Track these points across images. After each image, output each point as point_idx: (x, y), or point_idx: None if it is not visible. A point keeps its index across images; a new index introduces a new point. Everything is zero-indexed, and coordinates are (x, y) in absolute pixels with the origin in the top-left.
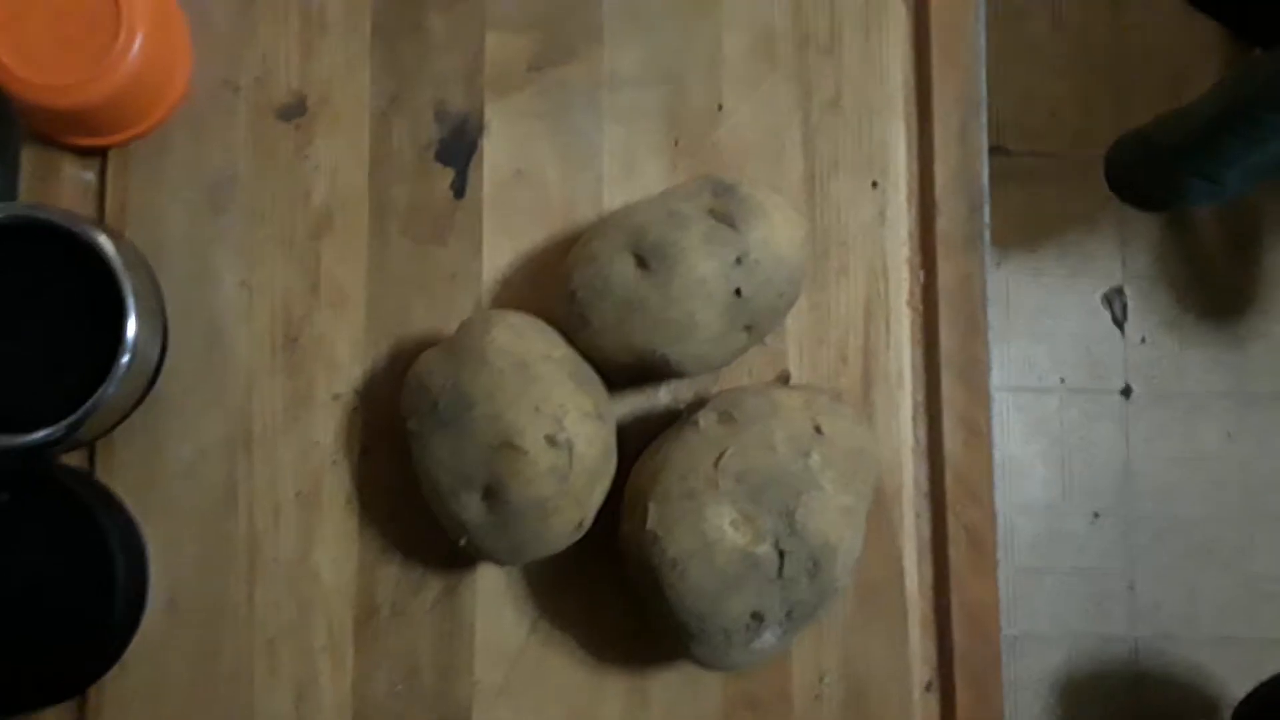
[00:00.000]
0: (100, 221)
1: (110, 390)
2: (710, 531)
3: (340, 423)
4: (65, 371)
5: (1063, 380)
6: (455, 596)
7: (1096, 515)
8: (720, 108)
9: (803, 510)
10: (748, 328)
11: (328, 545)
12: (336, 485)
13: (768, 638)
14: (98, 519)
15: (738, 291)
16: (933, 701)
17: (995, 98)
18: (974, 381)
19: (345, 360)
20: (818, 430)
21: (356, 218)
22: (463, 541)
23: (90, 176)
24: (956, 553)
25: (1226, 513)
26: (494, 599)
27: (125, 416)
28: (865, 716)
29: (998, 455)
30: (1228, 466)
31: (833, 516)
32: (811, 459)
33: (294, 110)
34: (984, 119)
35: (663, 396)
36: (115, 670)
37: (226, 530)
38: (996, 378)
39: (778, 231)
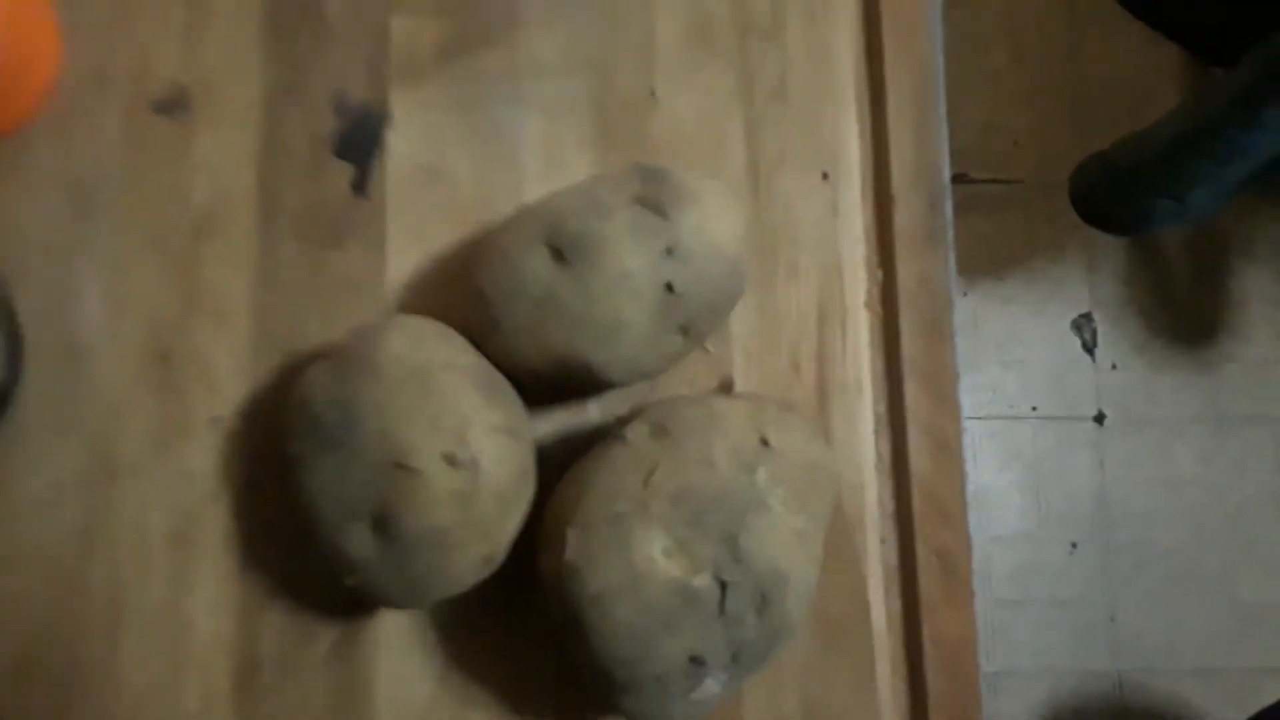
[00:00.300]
0: None
1: None
2: (639, 561)
3: (220, 451)
4: None
5: (1034, 408)
6: (352, 647)
7: (1074, 545)
8: (653, 95)
9: (748, 535)
10: (683, 329)
11: (203, 592)
12: (214, 523)
13: (710, 686)
14: None
15: (669, 287)
16: None
17: (957, 128)
18: (941, 390)
19: (226, 380)
20: (764, 443)
21: (242, 220)
22: (351, 581)
23: None
24: (928, 581)
25: (1206, 539)
26: (397, 649)
27: None
28: None
29: (971, 486)
30: (1204, 492)
31: (784, 541)
32: (758, 475)
33: (174, 104)
34: (942, 108)
35: (593, 413)
36: None
37: (84, 577)
38: (967, 407)
39: (713, 220)
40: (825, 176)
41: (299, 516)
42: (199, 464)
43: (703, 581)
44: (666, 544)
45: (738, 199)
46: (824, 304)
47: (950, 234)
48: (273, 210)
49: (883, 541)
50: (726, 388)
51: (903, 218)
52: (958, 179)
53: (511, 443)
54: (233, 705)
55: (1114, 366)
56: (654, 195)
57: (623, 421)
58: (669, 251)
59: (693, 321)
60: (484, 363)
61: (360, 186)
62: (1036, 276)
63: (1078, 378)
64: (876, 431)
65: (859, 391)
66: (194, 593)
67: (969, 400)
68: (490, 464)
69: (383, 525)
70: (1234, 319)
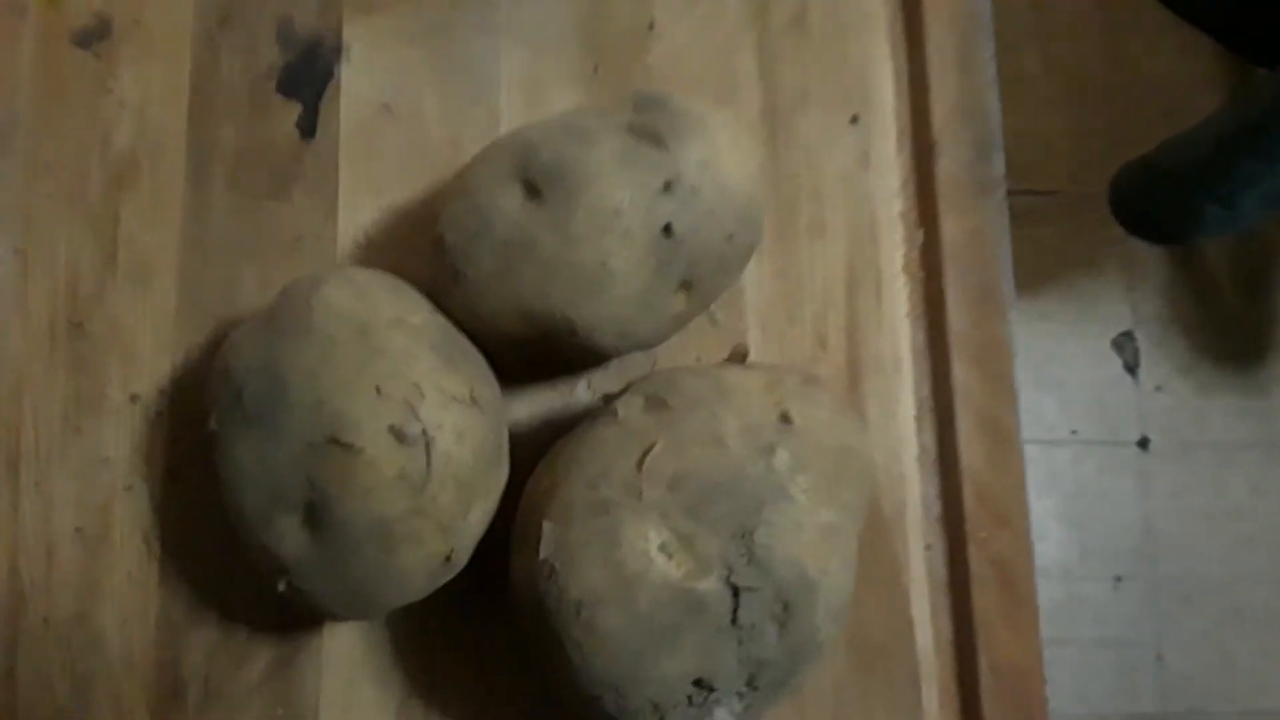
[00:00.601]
0: None
1: None
2: (631, 560)
3: (139, 434)
4: None
5: (1074, 432)
6: (292, 669)
7: (1118, 579)
8: (651, 27)
9: (765, 529)
10: (685, 285)
11: (117, 600)
12: (131, 518)
13: (722, 716)
14: None
15: (667, 229)
16: None
17: None
18: (995, 369)
19: (148, 353)
20: (785, 419)
21: (170, 166)
22: (281, 586)
23: None
24: (983, 596)
25: (1257, 573)
26: (345, 671)
27: None
28: None
29: None
30: (1256, 522)
31: (810, 539)
32: (777, 458)
33: (95, 34)
34: (990, 41)
35: (581, 393)
36: None
37: None
38: None
39: (723, 152)
40: (854, 120)
41: (223, 512)
42: (114, 449)
43: (710, 586)
44: (665, 539)
45: (751, 132)
46: (854, 267)
47: (1004, 194)
48: (206, 156)
49: (928, 549)
50: (739, 358)
51: (947, 166)
52: None
53: (474, 415)
54: None
55: (1158, 388)
56: (651, 123)
57: (614, 398)
58: (667, 187)
59: (696, 276)
60: (442, 320)
61: (308, 128)
62: (1074, 293)
63: (1120, 400)
64: (919, 418)
65: (897, 370)
66: (107, 601)
67: None
68: (448, 441)
69: (317, 515)
70: None
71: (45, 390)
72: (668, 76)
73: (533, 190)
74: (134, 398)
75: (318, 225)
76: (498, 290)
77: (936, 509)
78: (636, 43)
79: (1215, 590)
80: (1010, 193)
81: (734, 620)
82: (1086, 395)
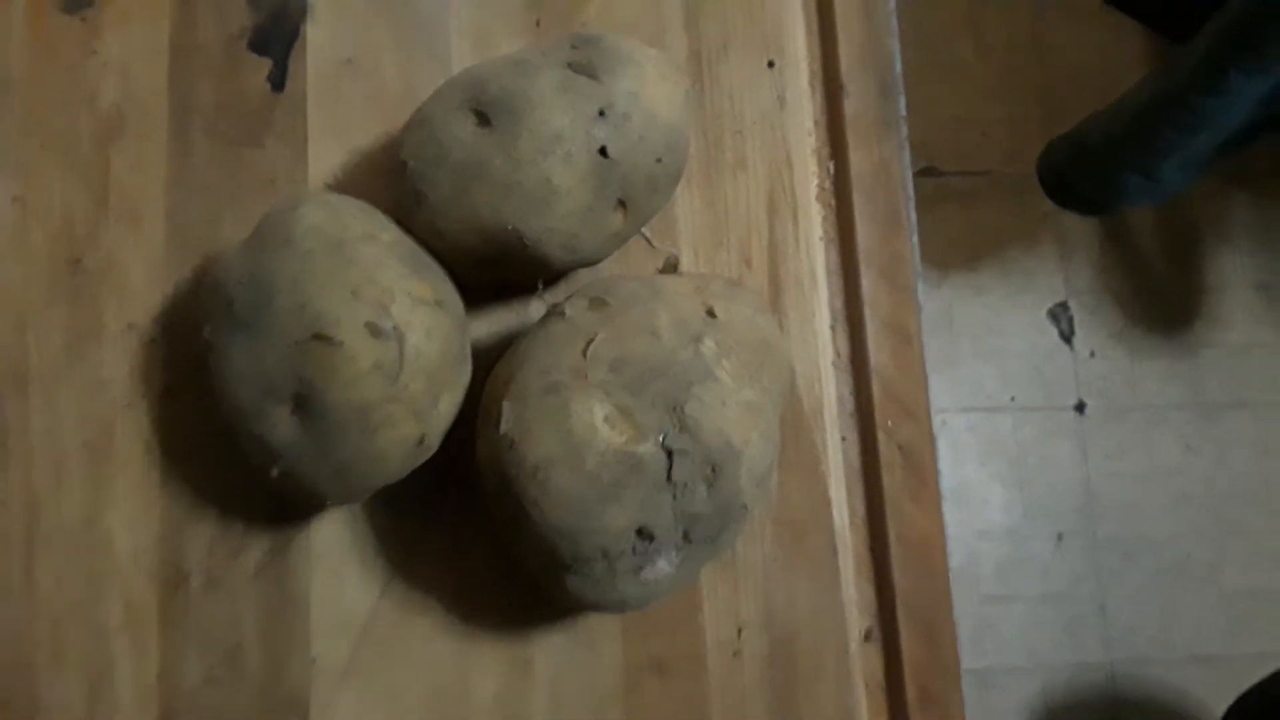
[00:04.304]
0: None
1: None
2: (579, 429)
3: (136, 358)
4: None
5: (1014, 399)
6: (284, 558)
7: (1060, 537)
8: None
9: (694, 404)
10: (621, 204)
11: (123, 504)
12: (132, 432)
13: (662, 566)
14: None
15: (603, 151)
16: (874, 652)
17: (924, 121)
18: (899, 280)
19: (140, 285)
20: (710, 314)
21: (154, 119)
22: (275, 471)
23: None
24: (891, 478)
25: (1193, 528)
26: (333, 558)
27: None
28: (794, 674)
29: (953, 480)
30: (1190, 480)
31: (733, 413)
32: (704, 345)
33: (81, 1)
34: None
35: (534, 311)
36: None
37: None
38: (946, 400)
39: (651, 85)
40: (771, 65)
41: (219, 412)
42: (114, 372)
43: (648, 449)
44: (608, 411)
45: (678, 70)
46: (774, 196)
47: (905, 129)
48: (186, 109)
49: (843, 439)
50: (671, 268)
51: (853, 106)
52: (927, 172)
53: (440, 315)
54: (158, 620)
55: (1092, 355)
56: (585, 59)
57: (559, 304)
58: (602, 114)
59: (631, 195)
60: (408, 239)
61: (278, 82)
62: (1010, 267)
63: (1056, 367)
64: (833, 327)
65: (814, 286)
66: (113, 505)
67: (947, 394)
68: (417, 337)
69: (304, 404)
70: (1211, 304)
71: (48, 321)
72: (604, 26)
73: (483, 119)
74: (130, 326)
75: (289, 168)
76: (455, 209)
77: (850, 405)
78: None
79: (1153, 546)
80: (947, 174)
81: (669, 478)
82: (1025, 364)
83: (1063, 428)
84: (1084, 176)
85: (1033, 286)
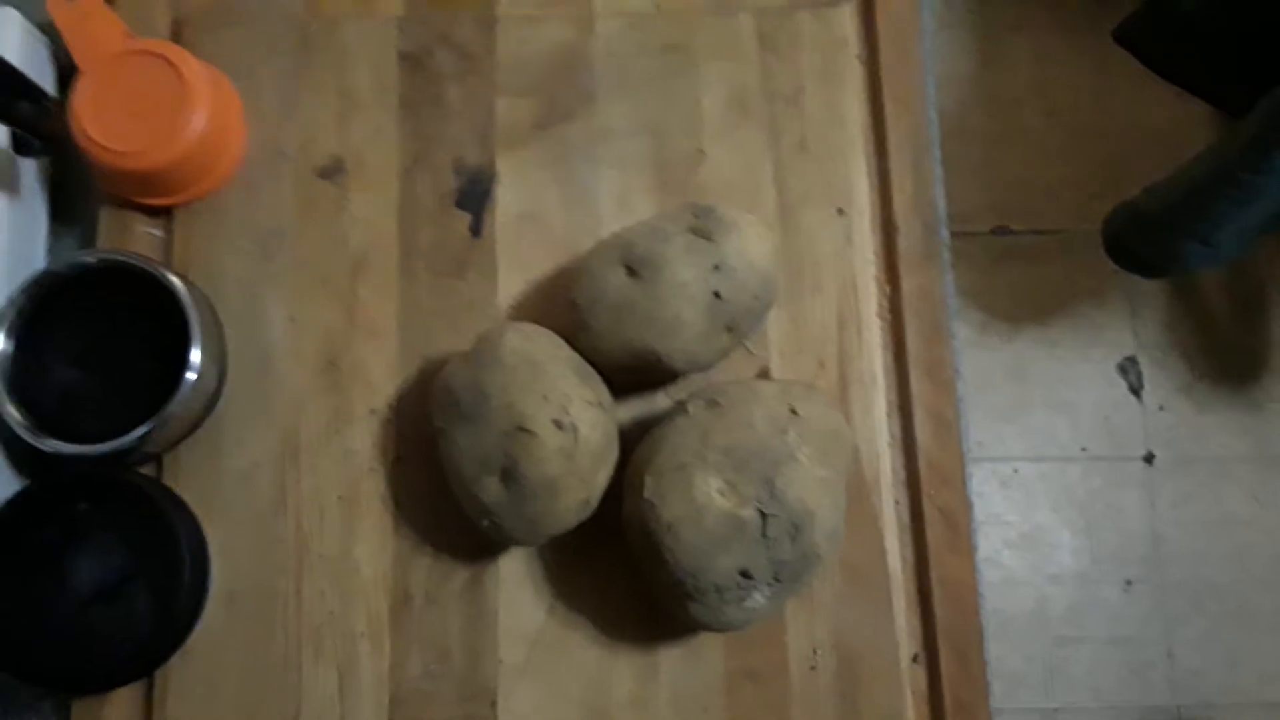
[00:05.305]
0: (168, 268)
1: (175, 407)
2: (699, 497)
3: (376, 435)
4: (139, 392)
5: (1084, 449)
6: (480, 584)
7: (1129, 583)
8: (701, 153)
9: (782, 479)
10: (729, 328)
11: (366, 542)
12: (374, 489)
13: (757, 598)
14: (169, 521)
15: (716, 294)
16: (920, 672)
17: (995, 182)
18: (940, 378)
19: (380, 381)
20: (793, 412)
21: (388, 259)
22: (485, 523)
23: (159, 231)
24: (933, 534)
25: (1258, 576)
26: (515, 584)
27: (190, 432)
28: (857, 686)
29: (1024, 526)
30: (1255, 530)
31: (810, 486)
32: (789, 435)
33: (333, 170)
34: (936, 153)
35: (661, 401)
36: (179, 656)
37: (277, 531)
38: (1018, 449)
39: (750, 243)
40: (840, 212)
41: (444, 487)
42: (360, 445)
43: (748, 512)
44: (720, 484)
45: (769, 228)
46: (843, 314)
47: (946, 255)
48: (410, 251)
49: (896, 503)
50: (764, 375)
51: (904, 242)
52: (999, 231)
53: (600, 413)
54: (390, 628)
55: (1161, 408)
56: (703, 225)
57: (684, 402)
58: (716, 268)
59: (736, 322)
60: (577, 356)
61: (476, 230)
62: (1080, 322)
63: (1126, 419)
64: (889, 415)
65: (873, 383)
66: (360, 542)
67: (1019, 444)
68: (586, 428)
69: (508, 476)
70: (1277, 360)
71: (314, 408)
72: (712, 186)
73: (632, 271)
74: (372, 411)
75: (484, 295)
76: (612, 335)
77: (902, 475)
78: (691, 164)
79: (1220, 592)
80: (1019, 233)
81: (763, 534)
82: (1095, 416)
83: (1131, 478)
84: (1144, 243)
85: (1102, 340)
